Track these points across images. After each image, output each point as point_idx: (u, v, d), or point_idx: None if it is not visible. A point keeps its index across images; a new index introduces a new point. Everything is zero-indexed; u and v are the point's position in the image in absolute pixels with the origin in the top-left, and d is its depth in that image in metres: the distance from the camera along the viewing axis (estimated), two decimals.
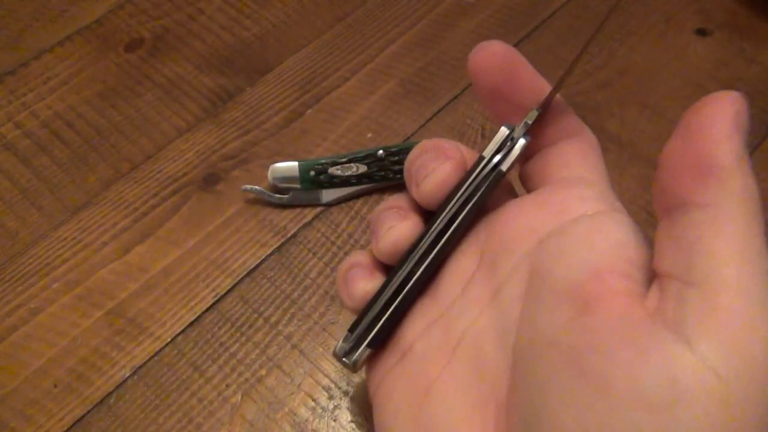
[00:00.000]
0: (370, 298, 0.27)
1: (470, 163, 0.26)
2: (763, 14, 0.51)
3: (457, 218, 0.25)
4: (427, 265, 0.26)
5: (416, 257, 0.26)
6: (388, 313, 0.26)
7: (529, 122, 0.24)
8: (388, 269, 0.28)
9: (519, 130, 0.24)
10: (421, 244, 0.26)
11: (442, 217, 0.25)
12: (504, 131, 0.24)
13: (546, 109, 0.24)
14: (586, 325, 0.18)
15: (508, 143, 0.24)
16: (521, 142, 0.24)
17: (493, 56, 0.24)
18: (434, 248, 0.26)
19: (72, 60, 0.49)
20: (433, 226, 0.26)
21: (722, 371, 0.16)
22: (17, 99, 0.47)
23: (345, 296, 0.28)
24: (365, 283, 0.27)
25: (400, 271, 0.26)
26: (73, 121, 0.46)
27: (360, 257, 0.28)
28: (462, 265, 0.26)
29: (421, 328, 0.26)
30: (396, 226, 0.26)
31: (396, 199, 0.28)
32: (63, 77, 0.48)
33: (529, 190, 0.26)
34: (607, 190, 0.24)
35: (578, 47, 0.50)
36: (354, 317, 0.27)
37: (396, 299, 0.26)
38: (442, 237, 0.25)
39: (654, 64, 0.49)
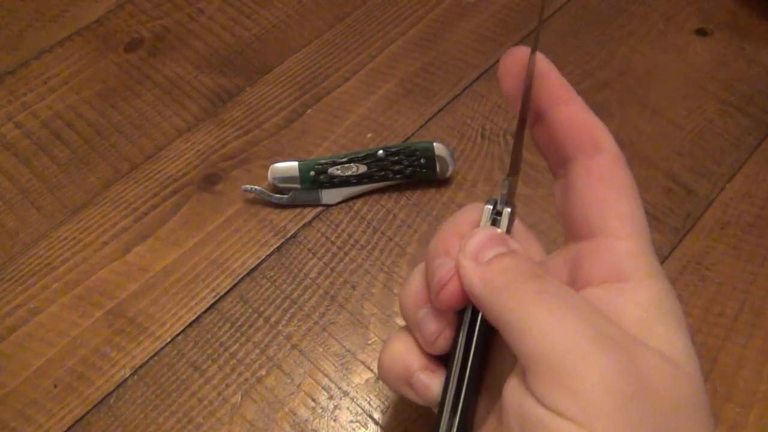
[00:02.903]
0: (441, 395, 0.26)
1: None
2: (763, 14, 0.51)
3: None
4: (476, 358, 0.25)
5: (463, 349, 0.25)
6: (460, 416, 0.25)
7: (505, 192, 0.25)
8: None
9: (500, 202, 0.26)
10: (462, 336, 0.25)
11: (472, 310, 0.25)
12: (488, 208, 0.26)
13: (517, 172, 0.26)
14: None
15: (496, 217, 0.26)
16: (506, 211, 0.25)
17: (519, 61, 0.25)
18: (474, 334, 0.25)
19: (72, 60, 0.49)
20: (465, 320, 0.25)
21: (568, 414, 0.19)
22: (17, 99, 0.47)
23: (416, 400, 0.27)
24: (437, 387, 0.26)
25: (454, 369, 0.25)
26: (73, 121, 0.46)
27: (412, 358, 0.27)
28: None
29: (484, 410, 0.26)
30: (438, 333, 0.26)
31: (423, 292, 0.27)
32: (63, 77, 0.48)
33: (571, 230, 0.25)
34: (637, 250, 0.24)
35: (578, 47, 0.50)
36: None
37: (459, 402, 0.25)
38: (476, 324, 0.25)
39: (654, 64, 0.49)
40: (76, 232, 0.41)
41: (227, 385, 0.36)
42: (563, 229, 0.26)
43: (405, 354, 0.27)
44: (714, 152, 0.45)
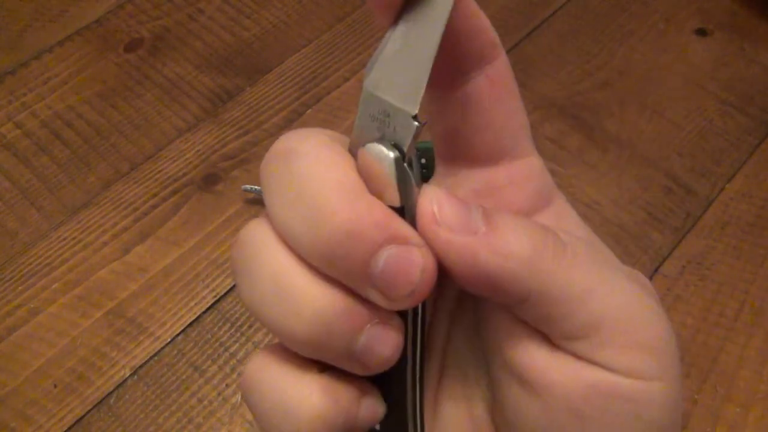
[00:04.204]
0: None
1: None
2: (763, 14, 0.51)
3: None
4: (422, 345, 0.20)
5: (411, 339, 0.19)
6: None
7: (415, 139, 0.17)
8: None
9: (408, 151, 0.17)
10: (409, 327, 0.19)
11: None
12: (393, 156, 0.17)
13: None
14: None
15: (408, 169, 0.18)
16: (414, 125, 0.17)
17: None
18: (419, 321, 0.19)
19: (72, 60, 0.49)
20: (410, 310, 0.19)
21: (639, 371, 0.18)
22: (17, 99, 0.47)
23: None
24: (383, 410, 0.21)
25: (409, 372, 0.20)
26: (73, 121, 0.46)
27: (350, 404, 0.19)
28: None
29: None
30: (400, 345, 0.19)
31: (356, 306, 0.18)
32: (63, 77, 0.48)
33: (471, 155, 0.20)
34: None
35: (578, 47, 0.50)
36: None
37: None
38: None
39: (654, 64, 0.49)
40: (76, 232, 0.41)
41: (227, 385, 0.36)
42: (450, 156, 0.21)
43: (338, 403, 0.19)
44: (714, 152, 0.45)
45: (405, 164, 0.17)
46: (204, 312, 0.38)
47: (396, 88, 0.17)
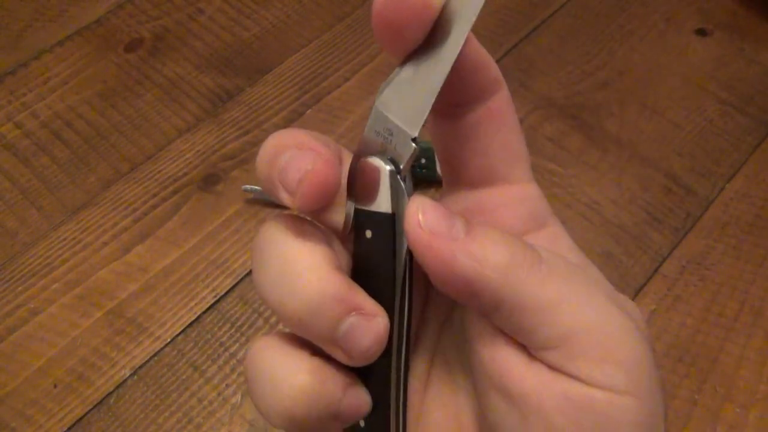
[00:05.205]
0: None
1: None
2: (763, 14, 0.51)
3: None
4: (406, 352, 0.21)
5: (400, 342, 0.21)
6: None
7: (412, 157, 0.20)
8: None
9: (404, 167, 0.20)
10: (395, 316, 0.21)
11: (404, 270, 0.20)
12: (389, 170, 0.19)
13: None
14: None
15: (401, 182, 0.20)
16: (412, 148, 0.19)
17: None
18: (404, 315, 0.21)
19: (72, 60, 0.49)
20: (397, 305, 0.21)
21: (619, 386, 0.18)
22: (17, 99, 0.47)
23: (339, 428, 0.22)
24: (368, 398, 0.22)
25: (395, 358, 0.21)
26: (73, 121, 0.46)
27: (332, 385, 0.20)
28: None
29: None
30: (365, 336, 0.20)
31: (340, 285, 0.20)
32: (63, 77, 0.48)
33: (467, 178, 0.22)
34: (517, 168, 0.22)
35: (578, 47, 0.50)
36: None
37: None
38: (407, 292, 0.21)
39: (654, 64, 0.49)
40: (76, 233, 0.41)
41: (227, 385, 0.36)
42: (450, 176, 0.23)
43: (323, 385, 0.20)
44: (714, 152, 0.45)
45: (399, 177, 0.20)
46: (204, 312, 0.38)
47: (402, 111, 0.20)
